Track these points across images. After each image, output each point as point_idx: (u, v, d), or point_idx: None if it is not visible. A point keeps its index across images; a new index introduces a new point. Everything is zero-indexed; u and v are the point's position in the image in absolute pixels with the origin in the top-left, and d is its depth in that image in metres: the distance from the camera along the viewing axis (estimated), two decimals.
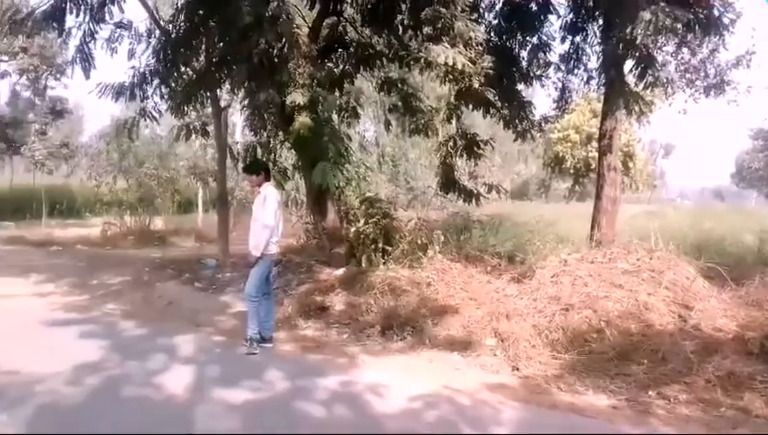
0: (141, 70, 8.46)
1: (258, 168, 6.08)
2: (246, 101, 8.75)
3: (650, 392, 4.90)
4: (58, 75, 22.93)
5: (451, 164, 10.85)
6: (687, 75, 8.50)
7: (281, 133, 8.91)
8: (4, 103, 25.06)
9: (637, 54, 7.53)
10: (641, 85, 7.99)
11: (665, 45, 8.27)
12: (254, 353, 5.66)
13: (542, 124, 10.82)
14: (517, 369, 5.44)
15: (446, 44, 6.95)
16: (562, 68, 10.90)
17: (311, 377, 5.09)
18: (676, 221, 14.84)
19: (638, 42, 6.55)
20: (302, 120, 7.01)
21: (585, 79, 11.69)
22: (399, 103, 10.14)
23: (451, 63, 6.80)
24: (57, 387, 4.59)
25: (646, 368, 5.26)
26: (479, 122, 19.07)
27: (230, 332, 6.63)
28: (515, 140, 10.37)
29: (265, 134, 9.22)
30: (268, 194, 5.79)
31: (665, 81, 7.55)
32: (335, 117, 9.96)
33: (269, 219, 5.66)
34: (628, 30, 6.68)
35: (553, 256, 7.99)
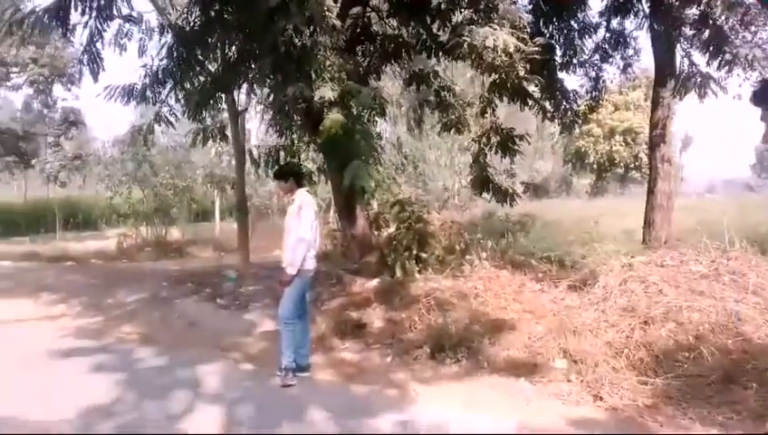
0: (154, 68, 7.75)
1: (286, 173, 5.29)
2: (270, 99, 8.00)
3: None
4: (69, 86, 22.41)
5: (485, 162, 10.07)
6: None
7: (306, 134, 8.16)
8: (14, 116, 24.60)
9: (708, 32, 6.69)
10: (715, 65, 7.13)
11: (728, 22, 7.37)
12: (291, 385, 4.89)
13: (587, 115, 9.96)
14: (600, 398, 4.60)
15: (494, 25, 6.16)
16: (610, 53, 10.08)
17: (360, 416, 4.32)
18: (718, 215, 13.85)
19: (716, 15, 5.70)
20: (334, 117, 6.25)
21: (622, 67, 10.93)
22: (432, 98, 9.33)
23: (502, 47, 6.00)
24: None
25: (756, 393, 4.42)
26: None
27: (259, 358, 5.88)
28: (561, 133, 9.58)
29: (292, 135, 8.45)
30: (303, 202, 5.01)
31: (745, 59, 6.64)
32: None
33: (305, 232, 4.89)
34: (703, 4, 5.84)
35: (614, 260, 7.19)
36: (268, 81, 7.16)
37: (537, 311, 6.34)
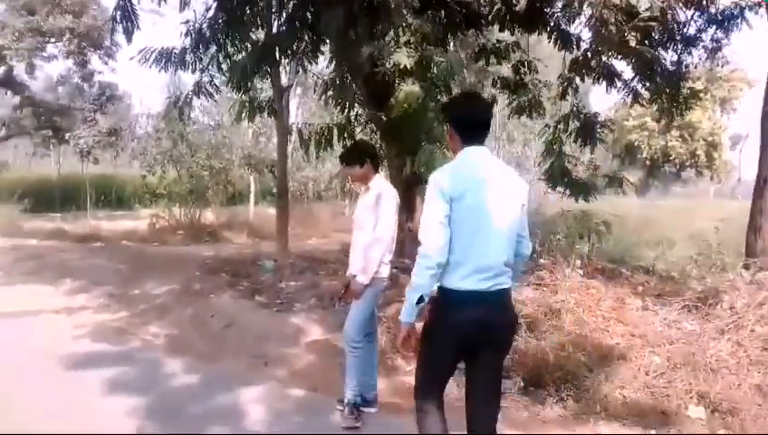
0: (197, 26, 6.69)
1: (360, 155, 4.02)
2: (331, 68, 6.89)
3: None
4: (106, 58, 21.80)
5: (562, 151, 8.84)
6: None
7: (366, 111, 7.04)
8: (50, 89, 24.06)
9: None
10: None
11: None
12: (356, 428, 3.82)
13: (695, 98, 8.56)
14: None
15: None
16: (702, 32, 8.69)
17: None
18: None
19: None
20: (409, 89, 5.14)
21: (710, 49, 9.54)
22: (512, 75, 8.07)
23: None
24: None
25: None
26: None
27: (310, 378, 4.84)
28: (659, 120, 8.28)
29: (349, 113, 7.32)
30: (383, 192, 3.83)
31: None
32: None
33: (383, 230, 3.73)
34: None
35: (732, 274, 5.97)
36: (334, 42, 6.04)
37: (648, 336, 5.14)
